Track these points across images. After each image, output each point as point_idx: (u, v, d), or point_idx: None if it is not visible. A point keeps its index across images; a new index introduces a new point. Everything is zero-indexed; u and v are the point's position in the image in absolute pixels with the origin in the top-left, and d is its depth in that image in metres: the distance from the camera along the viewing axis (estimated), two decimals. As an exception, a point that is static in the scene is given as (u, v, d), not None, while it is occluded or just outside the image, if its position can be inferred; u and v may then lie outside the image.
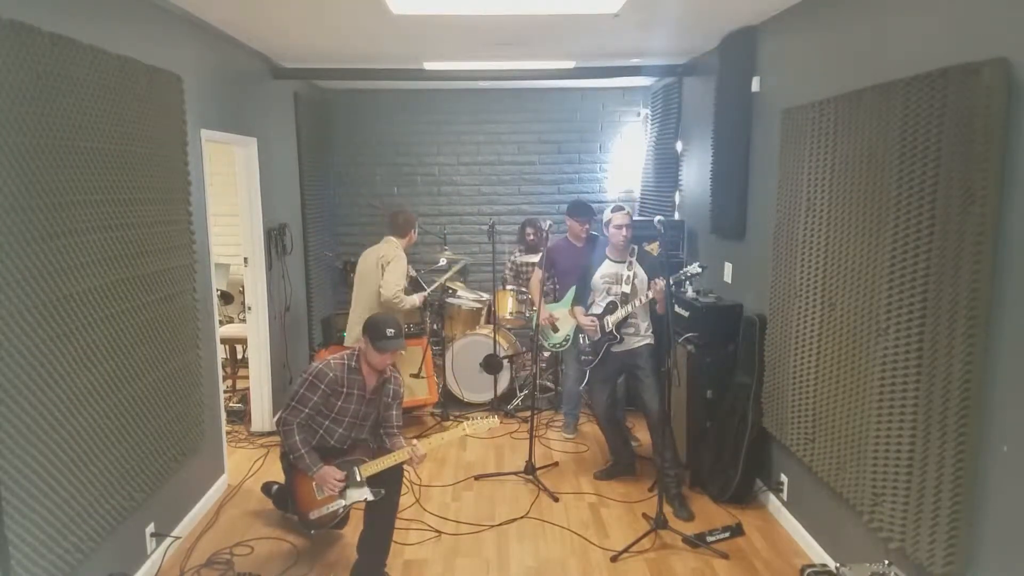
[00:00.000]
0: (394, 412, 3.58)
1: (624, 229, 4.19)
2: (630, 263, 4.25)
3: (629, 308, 4.15)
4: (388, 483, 3.41)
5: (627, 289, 4.20)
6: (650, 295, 4.07)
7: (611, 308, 4.25)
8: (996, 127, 2.23)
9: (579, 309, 4.44)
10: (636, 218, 6.71)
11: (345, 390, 3.42)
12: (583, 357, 4.44)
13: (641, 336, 4.26)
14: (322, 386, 3.38)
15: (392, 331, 3.37)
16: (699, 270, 3.94)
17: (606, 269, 4.32)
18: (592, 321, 4.29)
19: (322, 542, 3.79)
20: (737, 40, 4.43)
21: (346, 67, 5.91)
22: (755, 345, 4.03)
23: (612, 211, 4.26)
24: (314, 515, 3.42)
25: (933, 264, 2.50)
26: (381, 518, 3.42)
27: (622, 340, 4.24)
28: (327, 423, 3.46)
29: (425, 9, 3.88)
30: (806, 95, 3.53)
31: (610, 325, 4.23)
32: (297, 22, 4.25)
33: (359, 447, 3.51)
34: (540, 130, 7.35)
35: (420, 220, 7.16)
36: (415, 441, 3.43)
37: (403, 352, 3.46)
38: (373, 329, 3.38)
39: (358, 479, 3.34)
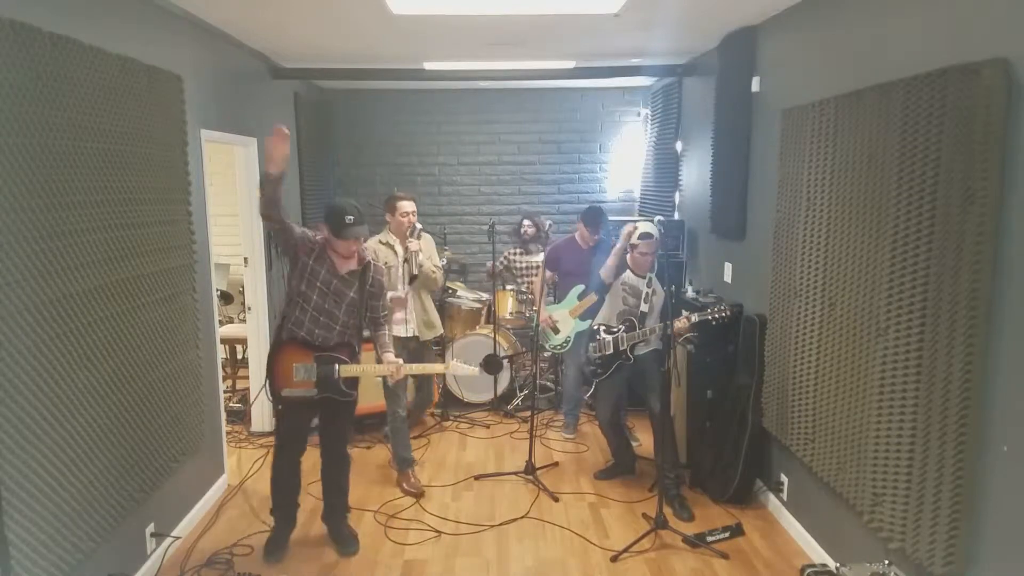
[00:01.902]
0: (379, 303, 3.62)
1: (649, 257, 4.11)
2: (650, 279, 4.16)
3: (647, 333, 4.07)
4: (339, 416, 3.61)
5: (645, 308, 4.11)
6: (670, 328, 3.87)
7: (628, 325, 4.14)
8: (996, 127, 2.24)
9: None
10: (635, 218, 6.74)
11: (317, 253, 3.42)
12: (591, 367, 4.33)
13: (651, 345, 4.19)
14: (305, 234, 3.43)
15: (352, 217, 3.32)
16: (727, 312, 3.90)
17: (627, 279, 4.23)
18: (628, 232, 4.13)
19: (321, 542, 3.79)
20: (737, 40, 4.43)
21: (346, 67, 5.91)
22: (755, 345, 4.03)
23: (640, 237, 4.11)
24: (285, 393, 3.44)
25: (933, 264, 2.50)
26: (333, 452, 3.69)
27: (634, 361, 4.16)
28: (305, 288, 3.42)
29: (425, 9, 3.88)
30: (806, 95, 3.53)
31: (624, 343, 4.12)
32: (297, 22, 4.25)
33: (344, 348, 3.48)
34: (540, 130, 7.35)
35: (420, 220, 7.19)
36: (399, 360, 3.54)
37: (364, 225, 3.37)
38: (332, 217, 3.36)
39: (335, 376, 3.42)
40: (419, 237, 4.34)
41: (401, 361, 3.54)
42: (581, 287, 4.99)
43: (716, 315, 3.90)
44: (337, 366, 3.43)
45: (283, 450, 3.66)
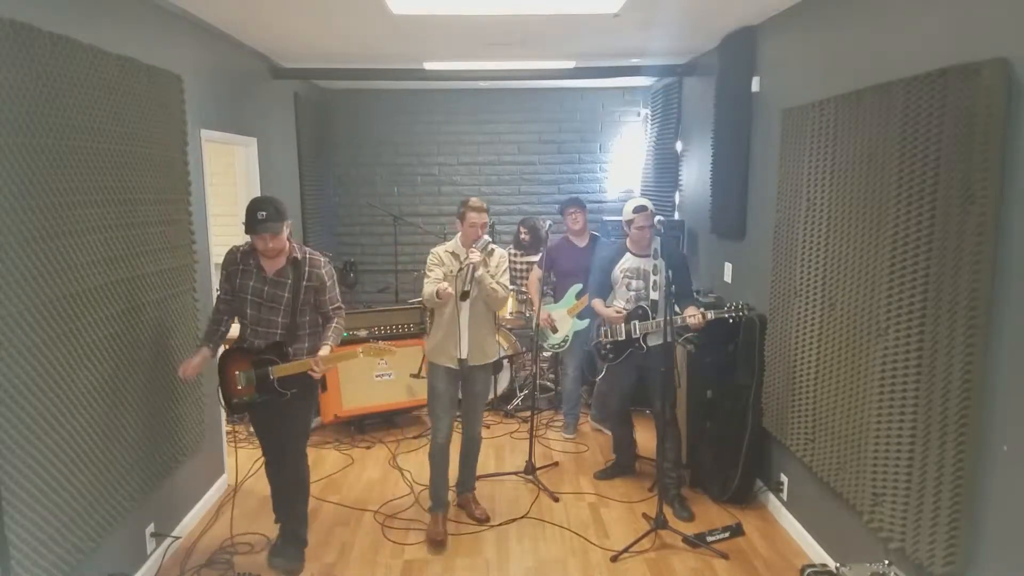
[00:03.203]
0: (326, 296, 3.47)
1: (646, 230, 4.04)
2: (655, 265, 4.03)
3: (660, 325, 3.91)
4: (284, 418, 3.46)
5: (655, 296, 4.01)
6: (687, 322, 3.85)
7: (640, 315, 4.05)
8: (996, 127, 2.24)
9: (599, 302, 4.25)
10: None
11: (241, 267, 3.40)
12: (603, 352, 4.25)
13: (660, 336, 4.04)
14: (224, 270, 3.45)
15: (264, 213, 3.20)
16: (745, 311, 3.83)
17: (627, 263, 4.16)
18: (617, 313, 4.08)
19: (322, 541, 3.79)
20: (737, 40, 4.43)
21: (346, 67, 5.92)
22: (755, 345, 4.03)
23: (634, 211, 4.07)
24: (235, 401, 3.46)
25: (933, 264, 2.50)
26: (284, 461, 3.53)
27: (648, 349, 4.06)
28: (238, 305, 3.44)
29: (425, 9, 3.88)
30: (806, 95, 3.53)
31: (637, 332, 4.04)
32: (297, 22, 4.25)
33: (273, 348, 3.40)
34: (540, 130, 7.35)
35: (420, 220, 7.23)
36: (321, 351, 3.36)
37: (274, 222, 3.21)
38: (246, 214, 3.26)
39: (270, 378, 3.36)
40: (488, 253, 3.87)
41: (320, 352, 3.34)
42: (579, 286, 4.99)
43: (734, 313, 3.81)
44: (270, 368, 3.36)
45: (264, 455, 3.65)
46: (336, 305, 3.53)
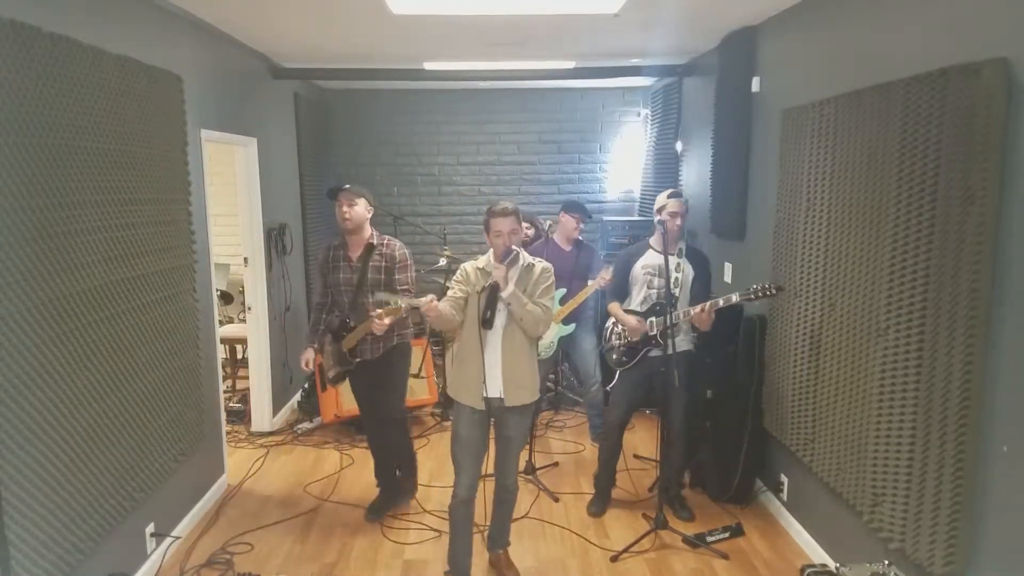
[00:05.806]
0: (396, 276, 3.84)
1: (679, 218, 3.82)
2: (679, 264, 3.84)
3: (680, 316, 3.72)
4: (379, 396, 4.02)
5: (676, 291, 3.81)
6: (692, 313, 3.68)
7: (658, 312, 3.86)
8: (996, 127, 2.24)
9: (615, 306, 4.03)
10: (635, 218, 6.74)
11: (331, 264, 3.96)
12: (614, 356, 4.08)
13: (681, 338, 3.85)
14: (319, 270, 4.10)
15: (348, 185, 3.87)
16: (773, 290, 3.52)
17: (649, 259, 3.98)
18: (639, 322, 3.85)
19: (323, 541, 3.79)
20: (737, 40, 4.43)
21: (346, 67, 5.91)
22: (755, 345, 4.03)
23: (668, 196, 3.86)
24: (330, 375, 4.06)
25: (933, 264, 2.50)
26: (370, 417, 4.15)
27: (666, 347, 3.71)
28: (335, 297, 3.98)
29: (425, 9, 3.89)
30: (806, 95, 3.53)
31: (654, 328, 3.85)
32: (297, 22, 4.25)
33: (343, 327, 3.89)
34: (540, 130, 7.35)
35: (420, 220, 7.23)
36: (378, 312, 3.28)
37: (351, 191, 3.81)
38: (332, 191, 3.91)
39: (343, 351, 3.90)
40: (526, 268, 3.22)
41: (378, 312, 3.23)
42: (563, 291, 4.93)
43: (760, 293, 3.47)
44: (339, 343, 3.88)
45: (365, 423, 4.29)
46: (404, 288, 3.79)
